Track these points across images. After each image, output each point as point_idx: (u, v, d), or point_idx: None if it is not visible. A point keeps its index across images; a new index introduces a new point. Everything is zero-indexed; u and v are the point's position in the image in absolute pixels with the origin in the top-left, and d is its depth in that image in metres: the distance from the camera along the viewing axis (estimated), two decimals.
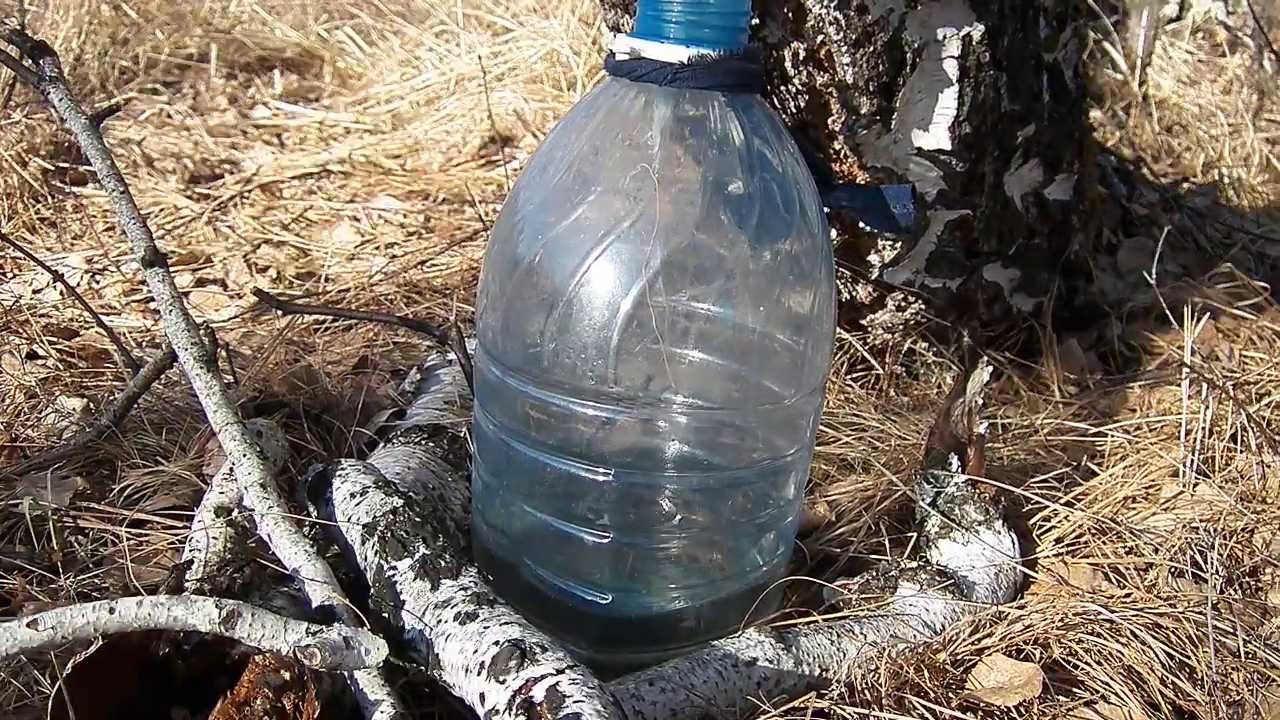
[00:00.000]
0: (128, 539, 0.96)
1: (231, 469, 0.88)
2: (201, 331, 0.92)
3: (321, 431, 1.16)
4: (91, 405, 1.23)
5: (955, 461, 1.07)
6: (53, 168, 2.25)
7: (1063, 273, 1.49)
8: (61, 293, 1.70)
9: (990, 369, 1.10)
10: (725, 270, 0.82)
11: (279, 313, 1.30)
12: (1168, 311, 1.37)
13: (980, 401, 1.09)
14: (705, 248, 0.82)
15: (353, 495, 0.86)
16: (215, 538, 0.85)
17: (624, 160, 0.80)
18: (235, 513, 0.87)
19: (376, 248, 1.83)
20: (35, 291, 1.72)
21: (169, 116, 2.80)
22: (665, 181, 0.79)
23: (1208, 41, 4.03)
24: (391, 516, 0.83)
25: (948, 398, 1.12)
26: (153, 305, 1.64)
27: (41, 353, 1.45)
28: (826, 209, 0.92)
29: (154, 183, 2.22)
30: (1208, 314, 1.44)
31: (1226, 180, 2.41)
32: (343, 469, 0.89)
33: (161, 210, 2.07)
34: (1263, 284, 1.55)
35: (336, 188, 2.13)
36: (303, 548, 0.80)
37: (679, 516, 0.85)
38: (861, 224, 1.16)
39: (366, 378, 1.29)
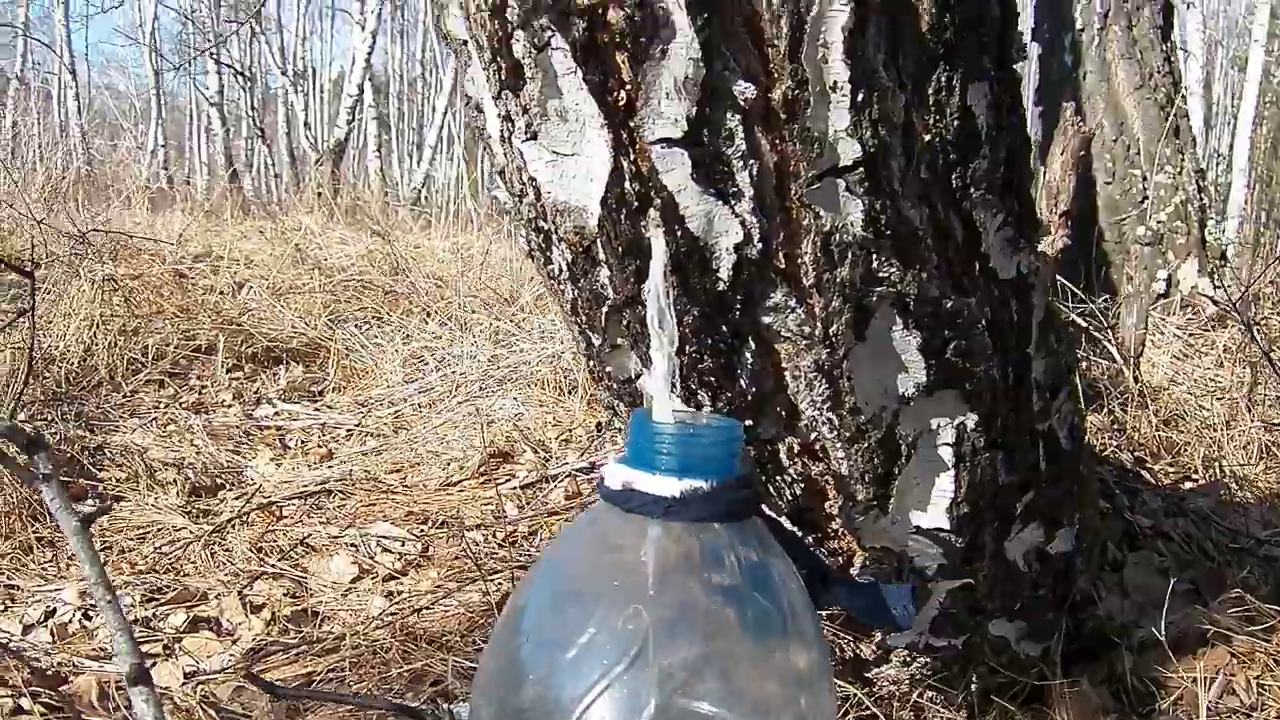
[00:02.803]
0: None
1: None
2: None
3: None
4: None
5: None
6: (91, 509, 2.25)
7: (1070, 610, 1.46)
8: (52, 633, 1.68)
9: None
10: (722, 704, 0.80)
11: (270, 696, 1.27)
12: (1171, 651, 1.35)
13: None
14: (704, 679, 0.80)
15: None
16: None
17: (620, 595, 0.79)
18: None
19: (374, 579, 1.81)
20: (26, 629, 1.70)
21: (173, 418, 2.82)
22: (660, 615, 0.78)
23: (1198, 315, 4.12)
24: None
25: None
26: (145, 648, 1.61)
27: (26, 707, 1.42)
28: (824, 606, 0.91)
29: (154, 498, 2.22)
30: (1221, 642, 1.41)
31: (1228, 475, 2.40)
32: None
33: (159, 531, 2.06)
34: (1275, 607, 1.53)
35: (336, 507, 2.13)
36: None
37: None
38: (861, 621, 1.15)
39: None
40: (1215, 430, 2.67)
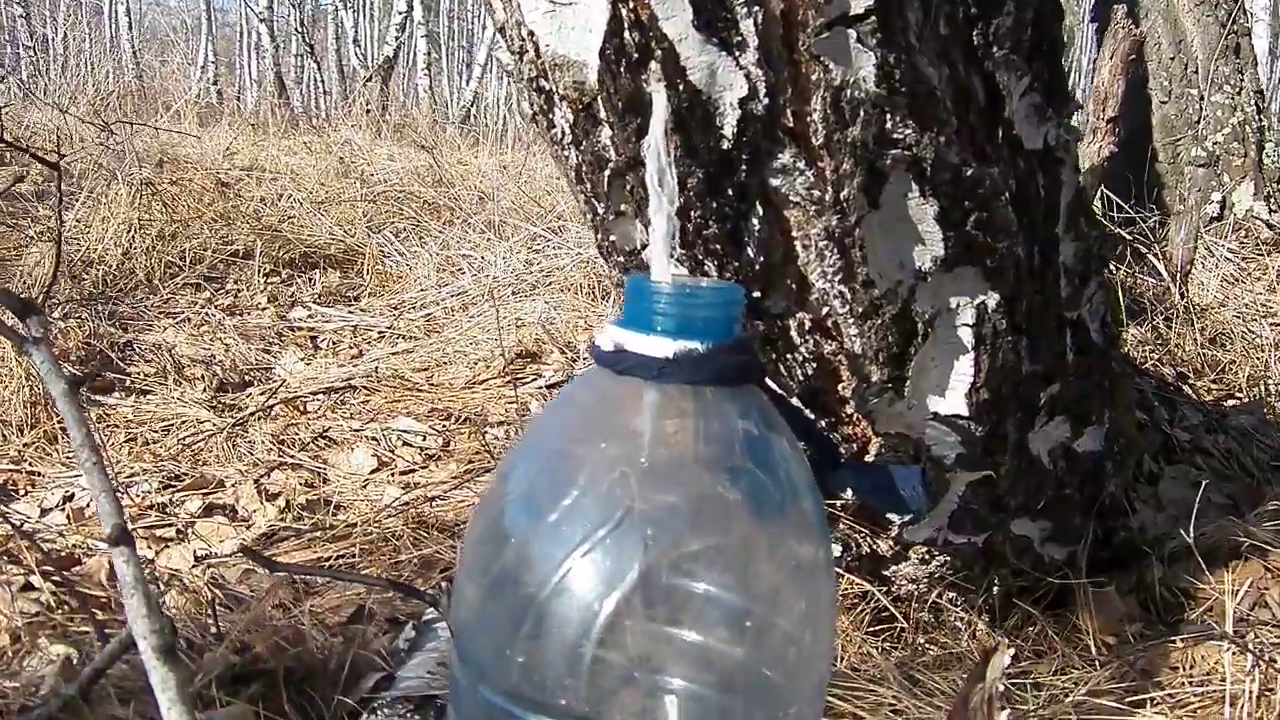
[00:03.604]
0: None
1: None
2: (163, 619, 0.87)
3: (304, 702, 1.10)
4: (72, 658, 1.18)
5: None
6: (81, 374, 2.25)
7: (1098, 515, 1.42)
8: (68, 516, 1.68)
9: (1011, 652, 1.03)
10: (715, 573, 0.76)
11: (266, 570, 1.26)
12: (1209, 554, 1.31)
13: (1001, 688, 1.01)
14: (693, 551, 0.76)
15: None
16: None
17: (608, 458, 0.76)
18: None
19: (392, 473, 1.79)
20: (43, 513, 1.70)
21: (207, 317, 2.82)
22: (650, 480, 0.75)
23: (1250, 239, 4.02)
24: None
25: (966, 682, 1.05)
26: (158, 533, 1.61)
27: (37, 584, 1.41)
28: (833, 491, 0.88)
29: (180, 392, 2.21)
30: (1255, 556, 1.38)
31: (1273, 394, 2.34)
32: None
33: (183, 424, 2.05)
34: None
35: (360, 403, 2.11)
36: None
37: None
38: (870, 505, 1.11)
39: (359, 632, 1.23)
40: (1263, 351, 2.61)
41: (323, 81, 13.41)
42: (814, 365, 1.03)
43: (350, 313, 2.93)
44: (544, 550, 0.75)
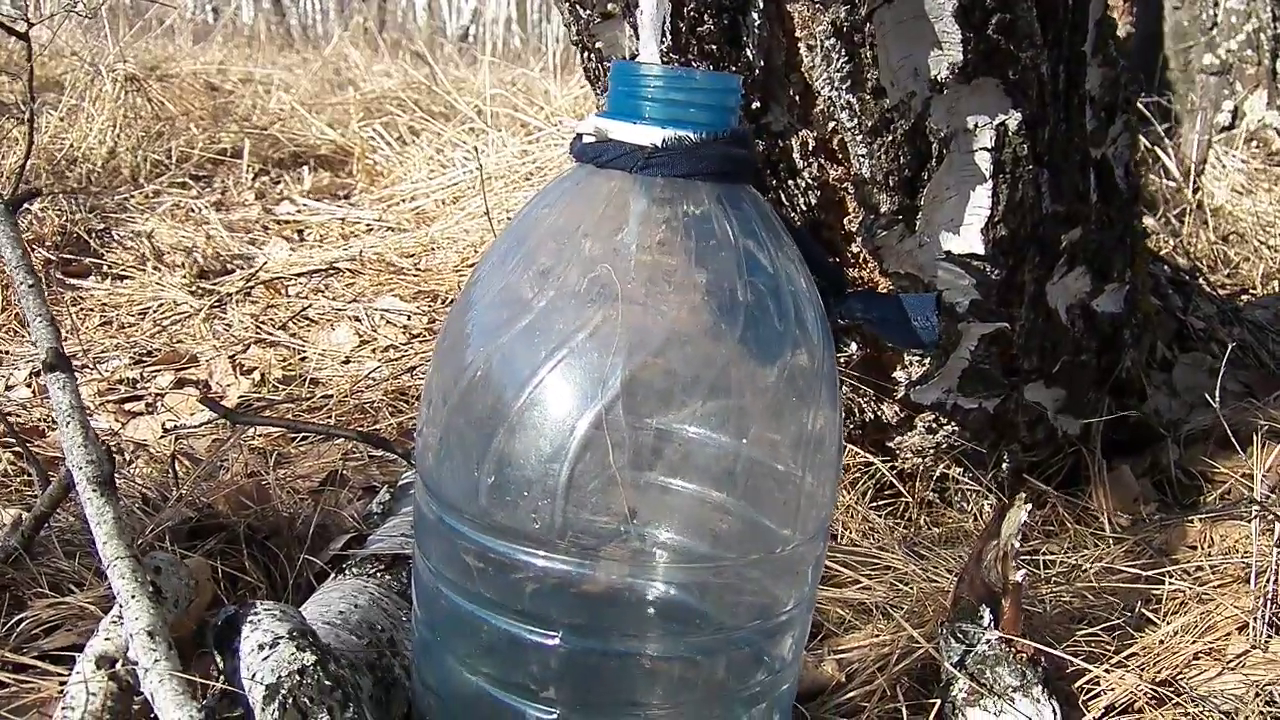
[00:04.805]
0: (8, 685, 0.83)
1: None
2: (100, 448, 0.79)
3: (267, 561, 1.02)
4: (22, 518, 1.11)
5: (987, 614, 0.92)
6: (56, 259, 2.17)
7: (1113, 392, 1.34)
8: (34, 391, 1.61)
9: (1028, 507, 0.95)
10: (703, 392, 0.68)
11: (229, 423, 1.18)
12: (1231, 435, 1.23)
13: (1017, 545, 0.94)
14: (679, 365, 0.68)
15: (261, 647, 0.73)
16: (94, 694, 0.72)
17: (587, 260, 0.67)
18: (119, 664, 0.73)
19: (374, 350, 1.71)
20: (8, 388, 1.63)
21: (191, 211, 2.72)
22: (634, 285, 0.66)
23: (1262, 150, 3.92)
24: (298, 677, 0.69)
25: (979, 539, 0.97)
26: (127, 407, 1.54)
27: None
28: (841, 320, 0.79)
29: (158, 276, 2.13)
30: (1275, 438, 1.31)
31: None
32: (255, 614, 0.75)
33: (160, 306, 1.97)
34: None
35: (344, 286, 2.03)
36: (188, 712, 0.67)
37: (643, 691, 0.70)
38: (880, 338, 1.02)
39: (331, 495, 1.16)
40: (1277, 251, 2.53)
41: None
42: (817, 194, 0.94)
43: (339, 207, 2.84)
44: (515, 360, 0.67)
